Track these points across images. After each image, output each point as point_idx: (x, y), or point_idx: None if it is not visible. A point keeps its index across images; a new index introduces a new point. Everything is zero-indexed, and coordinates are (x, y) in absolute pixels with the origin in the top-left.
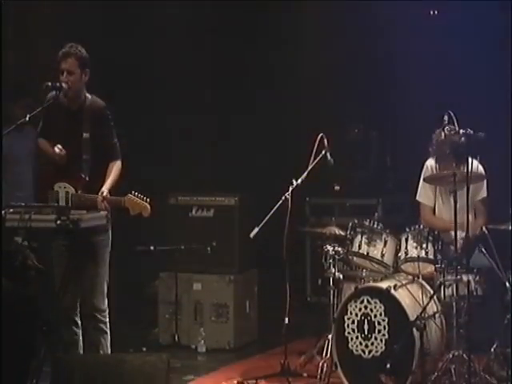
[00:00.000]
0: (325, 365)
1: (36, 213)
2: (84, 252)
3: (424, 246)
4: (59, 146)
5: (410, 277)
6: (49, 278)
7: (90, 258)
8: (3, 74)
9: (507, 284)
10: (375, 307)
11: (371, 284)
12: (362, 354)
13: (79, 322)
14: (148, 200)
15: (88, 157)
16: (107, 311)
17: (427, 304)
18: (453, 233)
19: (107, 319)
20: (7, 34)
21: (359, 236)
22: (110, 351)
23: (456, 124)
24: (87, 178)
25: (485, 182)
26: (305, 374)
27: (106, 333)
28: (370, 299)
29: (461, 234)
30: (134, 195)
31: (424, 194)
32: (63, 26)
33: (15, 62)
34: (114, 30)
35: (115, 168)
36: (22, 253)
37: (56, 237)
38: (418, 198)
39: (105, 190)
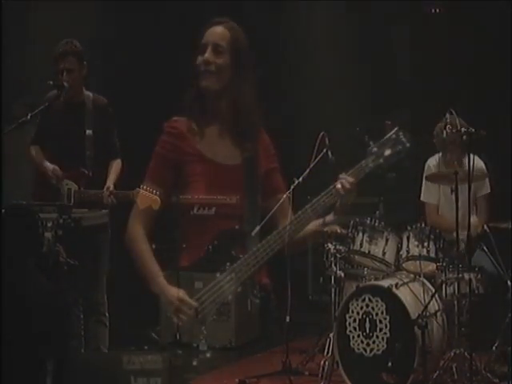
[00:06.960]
0: (326, 363)
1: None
2: (86, 248)
3: (425, 244)
4: (56, 167)
5: (412, 275)
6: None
7: (92, 255)
8: (3, 74)
9: (508, 282)
10: (377, 305)
11: (373, 282)
12: (364, 353)
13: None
14: (158, 193)
15: (91, 153)
16: (106, 304)
17: (429, 302)
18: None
19: (107, 313)
20: (7, 33)
21: (360, 234)
22: (107, 344)
23: (457, 122)
24: (91, 174)
25: (487, 178)
26: (306, 373)
27: (106, 326)
28: (371, 297)
29: (463, 233)
30: (143, 189)
31: (427, 193)
32: (63, 26)
33: (15, 62)
34: (114, 30)
35: (116, 166)
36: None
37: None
38: (422, 198)
39: (110, 184)
